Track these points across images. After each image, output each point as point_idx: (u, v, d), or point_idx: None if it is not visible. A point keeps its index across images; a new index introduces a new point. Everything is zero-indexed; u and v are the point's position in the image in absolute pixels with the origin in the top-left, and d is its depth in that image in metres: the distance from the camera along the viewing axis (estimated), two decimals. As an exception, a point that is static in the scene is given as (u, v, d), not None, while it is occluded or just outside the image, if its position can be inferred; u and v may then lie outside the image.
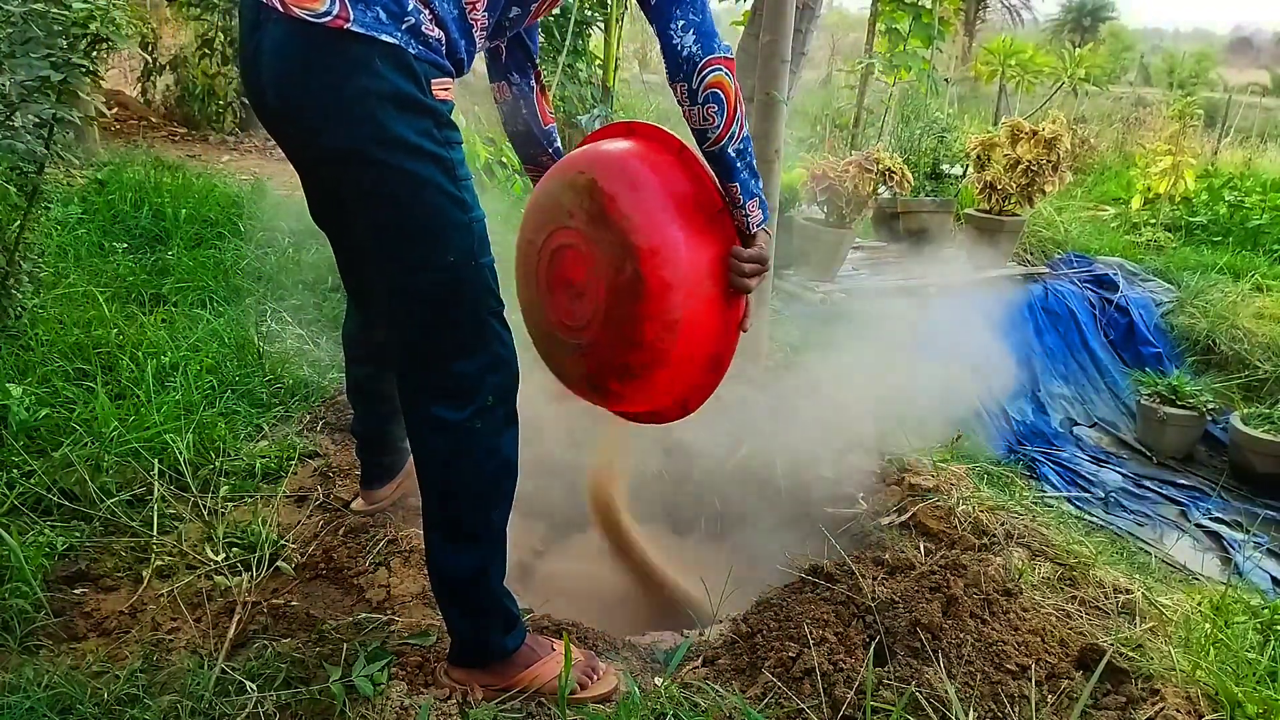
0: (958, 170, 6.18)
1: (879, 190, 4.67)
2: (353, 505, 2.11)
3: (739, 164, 1.44)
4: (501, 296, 1.43)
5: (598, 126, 6.44)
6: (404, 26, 1.23)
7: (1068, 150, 5.33)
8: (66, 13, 2.30)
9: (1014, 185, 5.29)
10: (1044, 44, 18.12)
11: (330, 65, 1.23)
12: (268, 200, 4.71)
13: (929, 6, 5.80)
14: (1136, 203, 7.02)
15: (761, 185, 1.51)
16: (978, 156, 5.50)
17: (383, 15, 1.22)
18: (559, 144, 1.86)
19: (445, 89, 1.31)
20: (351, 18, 1.20)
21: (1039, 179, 5.27)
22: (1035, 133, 5.24)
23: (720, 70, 1.36)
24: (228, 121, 8.11)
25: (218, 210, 4.25)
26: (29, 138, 2.34)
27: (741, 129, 1.41)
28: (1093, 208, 7.66)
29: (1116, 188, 8.23)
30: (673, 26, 1.36)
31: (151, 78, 8.17)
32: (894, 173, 4.52)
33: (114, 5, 2.40)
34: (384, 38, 1.21)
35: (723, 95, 1.36)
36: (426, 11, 1.27)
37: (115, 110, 7.21)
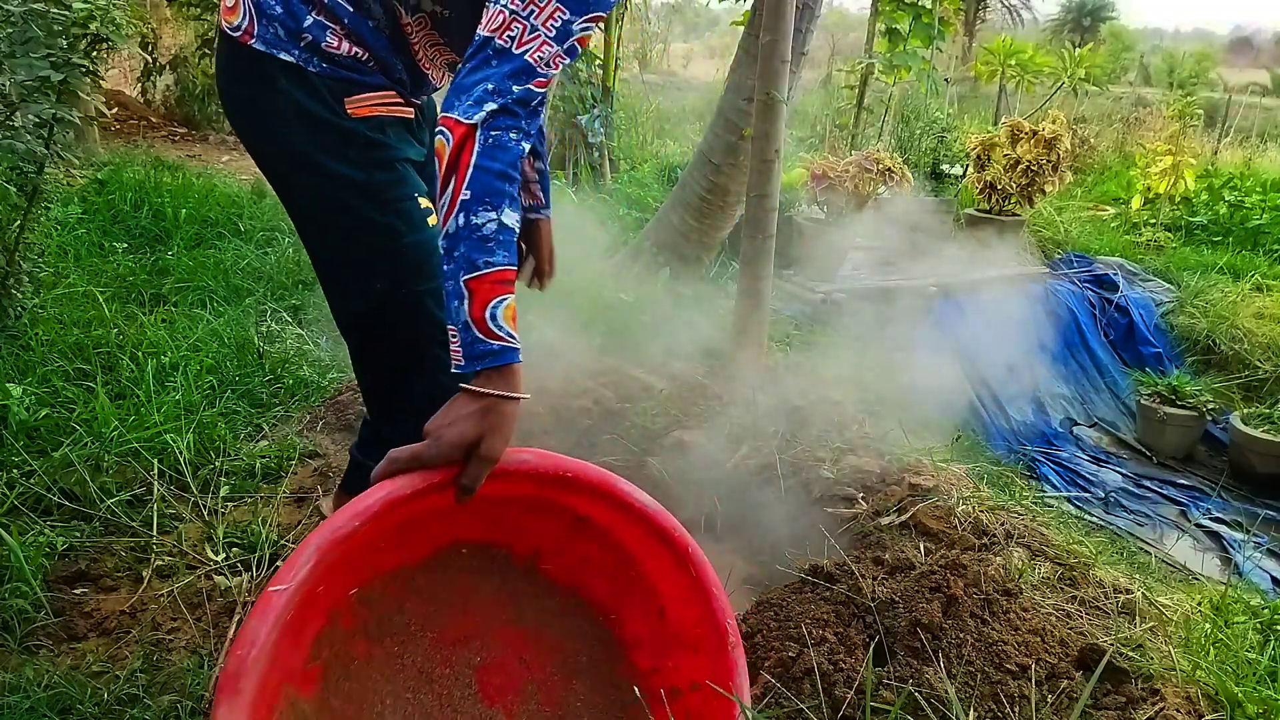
0: (958, 170, 6.18)
1: (879, 190, 4.68)
2: (321, 506, 1.97)
3: (445, 263, 1.04)
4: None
5: (598, 126, 6.45)
6: (301, 44, 1.18)
7: (1068, 150, 5.34)
8: (66, 13, 2.30)
9: (1014, 185, 5.30)
10: (1044, 44, 18.11)
11: (244, 79, 1.21)
12: (268, 200, 4.71)
13: (929, 6, 5.81)
14: (1136, 203, 7.02)
15: (462, 322, 1.02)
16: (978, 156, 5.51)
17: (280, 32, 1.17)
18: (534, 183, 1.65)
19: (370, 105, 1.22)
20: (255, 34, 1.18)
21: (1039, 179, 5.28)
22: (1035, 133, 5.25)
23: (442, 133, 1.03)
24: (228, 121, 8.10)
25: (218, 210, 4.25)
26: (29, 138, 2.34)
27: (449, 213, 1.01)
28: (1093, 208, 7.66)
29: (1116, 188, 8.23)
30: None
31: (151, 78, 8.17)
32: (894, 172, 4.52)
33: (114, 5, 2.40)
34: (281, 55, 1.18)
35: (436, 161, 1.05)
36: (334, 27, 1.19)
37: (115, 110, 7.21)
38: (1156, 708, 1.53)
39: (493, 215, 1.01)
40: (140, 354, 2.56)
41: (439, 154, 1.03)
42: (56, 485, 1.97)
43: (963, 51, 16.18)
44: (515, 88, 1.02)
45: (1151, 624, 1.82)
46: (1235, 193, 7.43)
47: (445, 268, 1.03)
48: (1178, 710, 1.52)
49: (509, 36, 1.03)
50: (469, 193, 1.00)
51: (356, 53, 1.21)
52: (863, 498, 2.36)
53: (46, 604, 1.66)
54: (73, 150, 2.61)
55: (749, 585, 2.28)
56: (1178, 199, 7.02)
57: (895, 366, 4.18)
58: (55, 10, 2.28)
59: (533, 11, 1.02)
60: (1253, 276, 5.94)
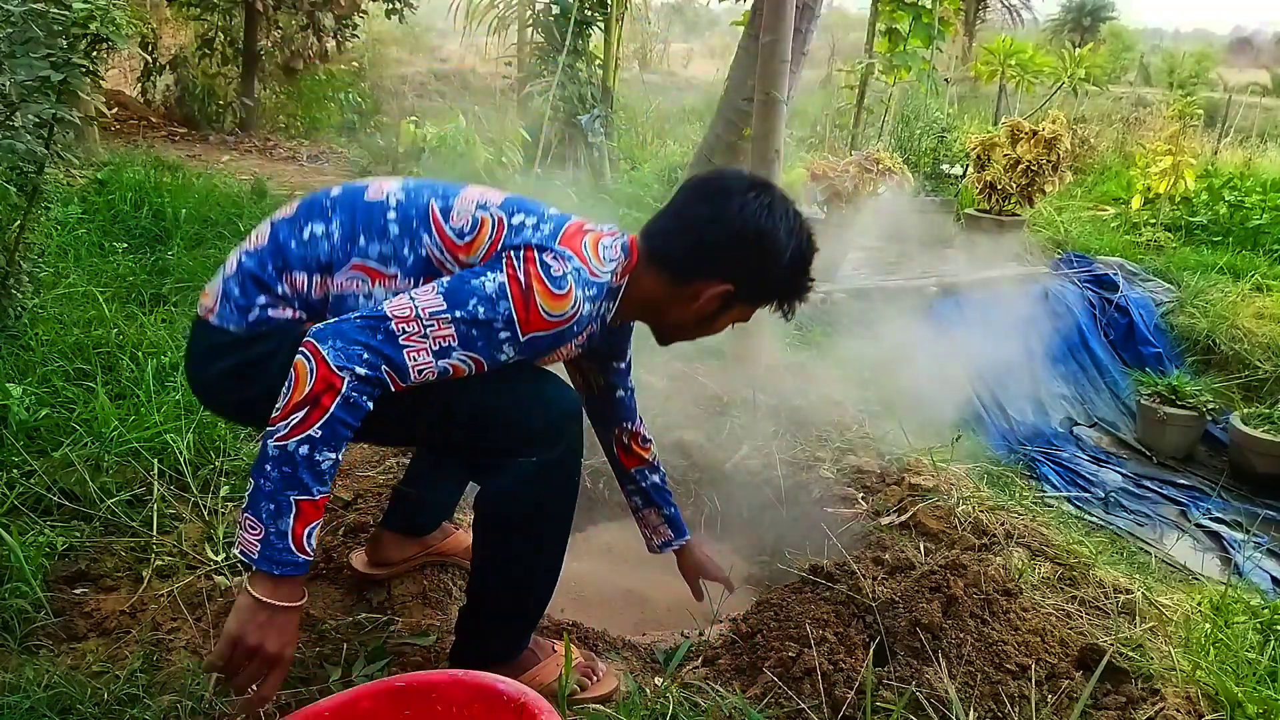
0: (958, 170, 6.18)
1: (879, 190, 4.68)
2: (352, 559, 1.88)
3: (266, 464, 1.18)
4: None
5: (598, 126, 6.45)
6: (249, 319, 1.34)
7: (1068, 150, 5.34)
8: (66, 13, 2.30)
9: (1014, 185, 5.30)
10: (1044, 44, 18.08)
11: (200, 352, 1.40)
12: (268, 200, 4.71)
13: (929, 6, 5.80)
14: (1136, 203, 7.02)
15: (278, 530, 1.18)
16: (978, 156, 5.50)
17: (233, 310, 1.35)
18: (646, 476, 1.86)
19: None
20: (215, 311, 1.36)
21: (1039, 179, 5.27)
22: (1035, 133, 5.25)
23: (306, 357, 1.18)
24: (228, 121, 8.12)
25: (218, 210, 4.25)
26: (29, 138, 2.33)
27: (291, 435, 1.17)
28: (1093, 208, 7.66)
29: (1116, 188, 8.23)
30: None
31: (151, 78, 8.18)
32: (894, 172, 4.52)
33: (114, 5, 2.40)
34: (230, 328, 1.34)
35: (294, 379, 1.18)
36: (280, 306, 1.35)
37: (115, 110, 7.21)
38: (1156, 708, 1.52)
39: (333, 455, 1.20)
40: (140, 354, 2.56)
41: (297, 369, 1.18)
42: (56, 485, 1.96)
43: (963, 51, 16.15)
44: (385, 371, 1.20)
45: (1151, 624, 1.82)
46: (1235, 193, 7.43)
47: (271, 475, 1.18)
48: (1178, 710, 1.52)
49: (403, 329, 1.22)
50: (320, 433, 1.17)
51: (300, 315, 1.36)
52: (863, 498, 2.36)
53: (46, 604, 1.66)
54: (73, 150, 2.61)
55: (749, 585, 2.28)
56: (1178, 199, 7.01)
57: (895, 367, 4.17)
58: (55, 10, 2.27)
59: (432, 326, 1.22)
60: (1253, 276, 5.94)
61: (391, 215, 1.36)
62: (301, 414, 1.17)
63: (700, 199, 1.43)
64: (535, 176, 5.42)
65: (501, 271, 1.27)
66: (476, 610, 1.51)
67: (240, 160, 6.74)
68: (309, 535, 1.21)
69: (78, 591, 1.74)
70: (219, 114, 8.07)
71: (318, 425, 1.17)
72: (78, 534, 1.86)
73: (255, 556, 1.19)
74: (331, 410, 1.17)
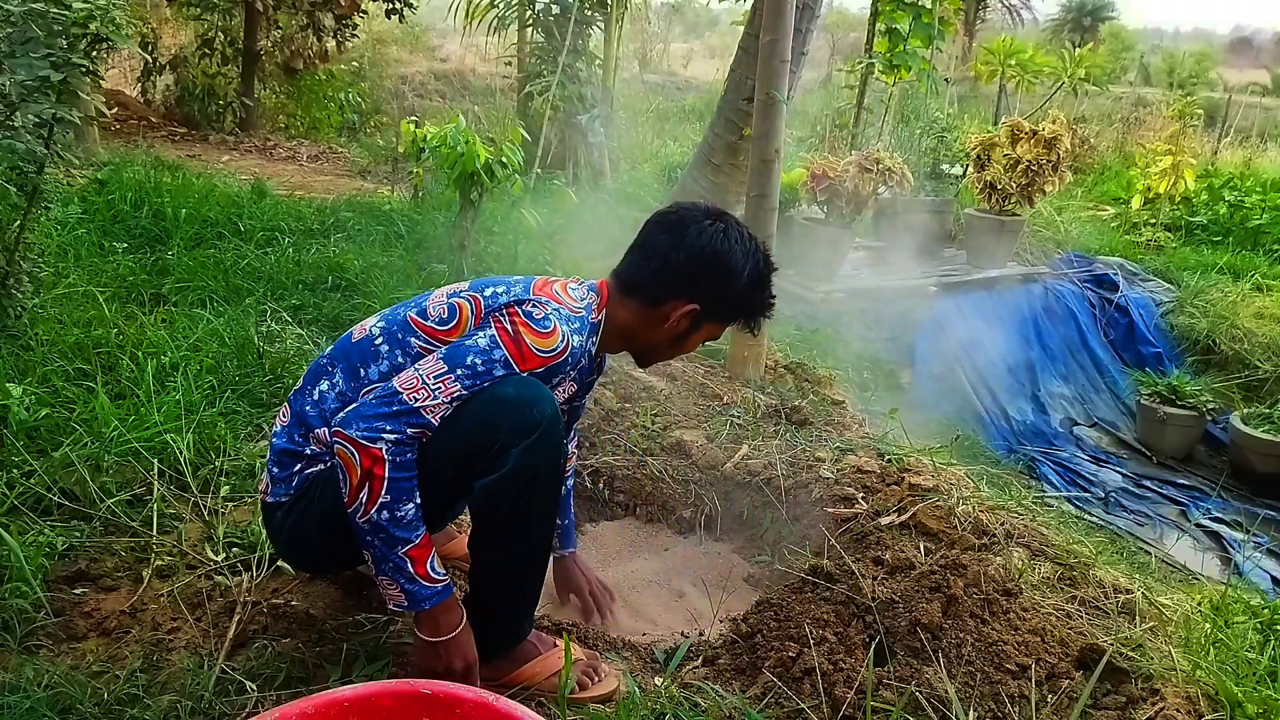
0: (958, 170, 6.18)
1: (879, 190, 4.67)
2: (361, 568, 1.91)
3: (366, 536, 1.39)
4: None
5: (598, 126, 6.43)
6: (294, 485, 1.54)
7: (1068, 150, 5.34)
8: (66, 13, 2.30)
9: (1014, 185, 5.30)
10: (1044, 44, 18.06)
11: (269, 525, 1.61)
12: (267, 200, 4.71)
13: (929, 6, 5.80)
14: (1136, 203, 7.02)
15: (406, 578, 1.40)
16: (978, 156, 5.50)
17: (278, 484, 1.55)
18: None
19: None
20: (270, 491, 1.57)
21: (1039, 179, 5.27)
22: (1035, 133, 5.25)
23: (342, 445, 1.36)
24: (228, 121, 8.12)
25: (218, 210, 4.25)
26: (29, 138, 2.33)
27: (369, 508, 1.36)
28: (1093, 208, 7.66)
29: (1116, 188, 8.23)
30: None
31: (151, 78, 8.18)
32: (894, 172, 4.52)
33: (114, 5, 2.40)
34: (281, 499, 1.55)
35: (344, 467, 1.36)
36: (314, 462, 1.53)
37: (115, 110, 7.21)
38: (1156, 708, 1.53)
39: (410, 505, 1.38)
40: (140, 354, 2.56)
41: (341, 458, 1.36)
42: (56, 485, 1.96)
43: (963, 51, 16.14)
44: (410, 431, 1.38)
45: (1151, 624, 1.82)
46: (1235, 193, 7.43)
47: (375, 544, 1.38)
48: (1178, 710, 1.52)
49: (415, 397, 1.38)
50: (389, 496, 1.36)
51: (332, 464, 1.50)
52: (863, 498, 2.36)
53: (46, 604, 1.66)
54: (73, 150, 2.61)
55: (749, 585, 2.28)
56: (1178, 199, 7.01)
57: (895, 366, 4.18)
58: (55, 10, 2.27)
59: (439, 387, 1.40)
60: (1253, 276, 5.94)
61: (379, 341, 1.53)
62: (366, 490, 1.35)
63: (661, 230, 1.60)
64: (535, 176, 5.42)
65: (490, 328, 1.45)
66: (476, 599, 1.55)
67: (240, 160, 6.74)
68: (432, 565, 1.41)
69: (78, 591, 1.74)
70: (219, 114, 8.07)
71: (383, 492, 1.35)
72: (78, 534, 1.86)
73: (406, 605, 1.41)
74: (387, 476, 1.35)
